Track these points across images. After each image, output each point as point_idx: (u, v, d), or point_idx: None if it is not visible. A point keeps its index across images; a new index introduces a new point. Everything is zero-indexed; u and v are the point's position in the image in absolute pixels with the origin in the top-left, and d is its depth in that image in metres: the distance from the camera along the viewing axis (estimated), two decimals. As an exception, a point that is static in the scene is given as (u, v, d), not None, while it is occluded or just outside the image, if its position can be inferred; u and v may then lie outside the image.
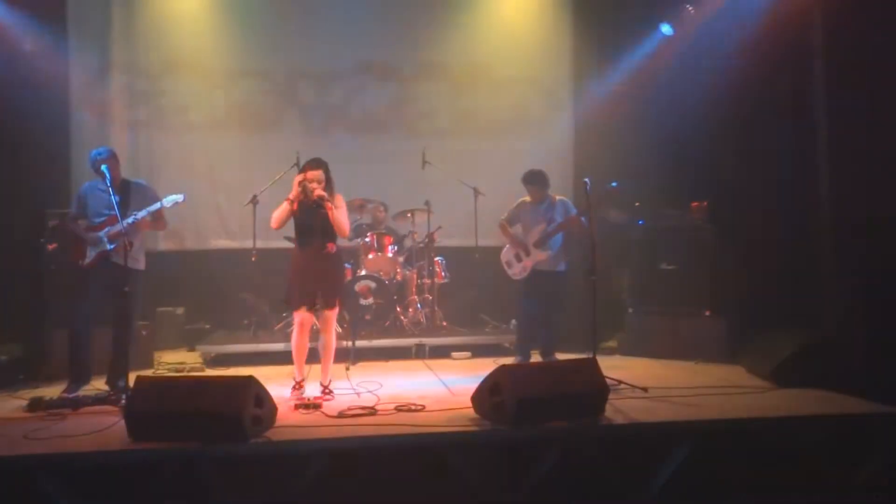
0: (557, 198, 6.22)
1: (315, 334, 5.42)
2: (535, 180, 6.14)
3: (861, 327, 5.37)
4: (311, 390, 5.19)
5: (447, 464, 3.96)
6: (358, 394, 5.19)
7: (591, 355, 4.90)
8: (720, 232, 6.72)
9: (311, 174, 5.10)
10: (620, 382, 5.18)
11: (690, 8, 7.71)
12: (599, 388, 4.38)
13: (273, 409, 4.22)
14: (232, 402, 3.84)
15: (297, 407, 4.71)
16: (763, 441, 4.36)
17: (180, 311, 7.80)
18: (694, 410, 4.59)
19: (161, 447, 3.79)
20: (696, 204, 6.88)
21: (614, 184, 5.71)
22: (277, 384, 5.24)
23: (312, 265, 5.11)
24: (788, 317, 6.06)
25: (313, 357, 5.32)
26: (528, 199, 6.24)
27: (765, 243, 6.49)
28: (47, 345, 5.91)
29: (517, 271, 6.18)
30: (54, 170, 7.46)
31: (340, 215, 5.13)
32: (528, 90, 8.66)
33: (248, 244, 7.05)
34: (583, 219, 5.95)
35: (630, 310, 6.98)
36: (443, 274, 7.57)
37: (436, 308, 7.38)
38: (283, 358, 5.88)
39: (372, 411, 4.57)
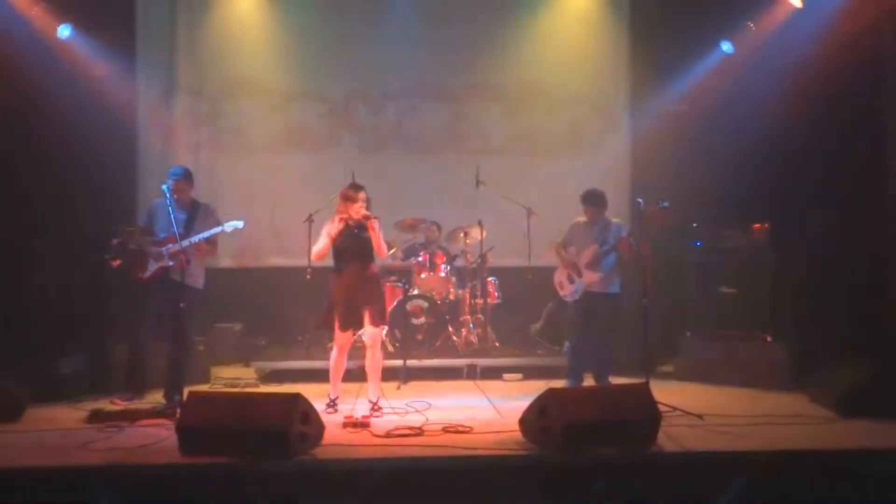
0: (613, 220, 6.12)
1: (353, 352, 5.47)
2: (593, 200, 6.06)
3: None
4: (361, 407, 5.24)
5: (492, 488, 3.89)
6: (405, 413, 5.19)
7: (644, 380, 4.78)
8: (782, 255, 6.49)
9: (360, 195, 5.21)
10: (675, 409, 5.03)
11: (752, 24, 7.55)
12: (651, 415, 4.26)
13: (320, 426, 4.25)
14: (278, 419, 3.89)
15: (345, 425, 4.74)
16: (826, 475, 4.15)
17: (238, 327, 7.95)
18: (752, 441, 4.44)
19: (207, 462, 3.84)
20: (757, 226, 6.67)
21: (665, 203, 5.59)
22: (326, 401, 5.28)
23: (355, 287, 5.20)
24: (854, 344, 5.80)
25: (359, 376, 5.37)
26: (582, 219, 6.16)
27: (829, 267, 6.25)
28: (109, 358, 6.09)
29: (569, 293, 6.09)
30: (122, 190, 7.75)
31: (380, 237, 5.25)
32: (583, 109, 8.58)
33: (304, 262, 7.14)
34: (631, 240, 5.84)
35: (687, 334, 6.79)
36: (496, 294, 7.52)
37: (488, 328, 7.33)
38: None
39: (419, 432, 4.56)
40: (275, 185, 8.28)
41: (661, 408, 5.02)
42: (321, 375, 6.47)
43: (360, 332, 5.50)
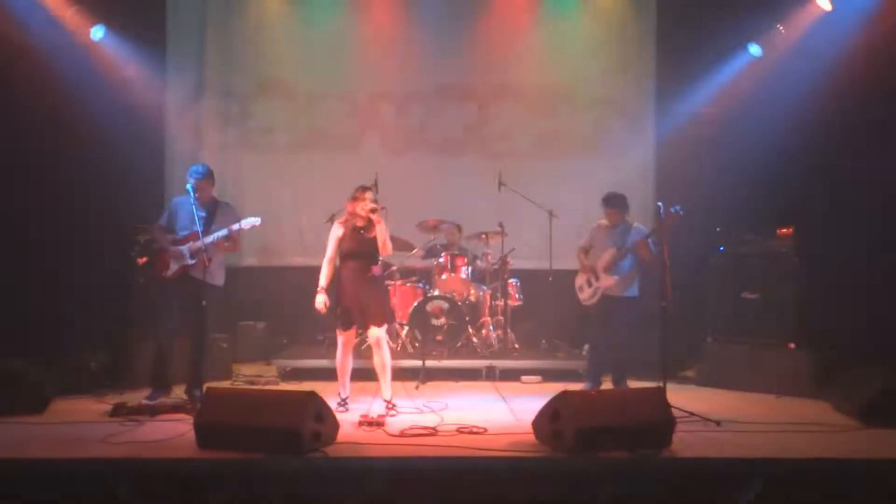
0: (634, 224, 6.09)
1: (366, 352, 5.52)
2: (614, 202, 6.04)
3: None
4: (378, 406, 5.29)
5: (503, 490, 3.89)
6: (421, 413, 5.22)
7: (669, 383, 4.74)
8: (807, 261, 6.39)
9: (367, 194, 5.33)
10: (692, 414, 4.99)
11: (781, 27, 7.45)
12: (665, 420, 4.24)
13: (334, 424, 4.29)
14: (292, 416, 3.94)
15: (360, 424, 4.78)
16: (844, 485, 4.09)
17: (261, 325, 8.03)
18: (769, 448, 4.38)
19: (223, 457, 3.91)
20: (782, 231, 6.56)
21: (677, 208, 5.54)
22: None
23: (355, 286, 5.28)
24: (879, 352, 5.69)
25: (374, 375, 5.41)
26: (603, 222, 6.14)
27: (854, 273, 6.14)
28: (133, 354, 6.21)
29: (587, 296, 6.07)
30: (151, 188, 7.89)
31: (385, 235, 5.31)
32: (608, 112, 8.53)
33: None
34: (650, 241, 5.80)
35: (709, 339, 6.71)
36: (517, 296, 7.52)
37: (508, 330, 7.33)
38: (354, 374, 5.98)
39: (433, 432, 4.59)
40: (299, 185, 8.38)
41: (678, 413, 5.00)
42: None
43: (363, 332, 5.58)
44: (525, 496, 3.93)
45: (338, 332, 5.38)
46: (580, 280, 6.19)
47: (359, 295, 5.28)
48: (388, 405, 5.26)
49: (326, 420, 4.15)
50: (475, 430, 4.65)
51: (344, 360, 5.39)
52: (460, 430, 4.63)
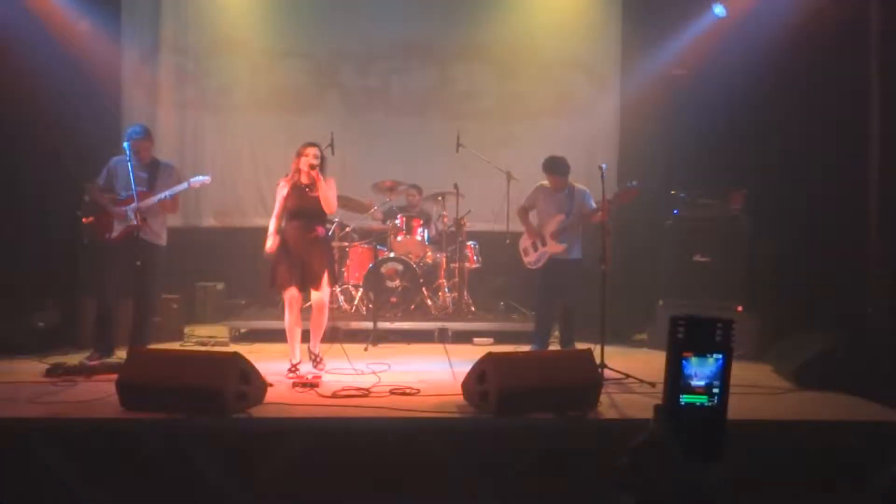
0: (577, 186, 6.04)
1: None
2: (556, 168, 5.97)
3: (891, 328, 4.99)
4: (307, 365, 5.28)
5: (423, 450, 3.91)
6: (360, 374, 5.21)
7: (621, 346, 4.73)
8: (759, 223, 6.37)
9: (309, 150, 5.20)
10: (628, 376, 5.01)
11: (746, -14, 7.31)
12: (592, 381, 4.26)
13: (262, 385, 4.29)
14: (215, 377, 3.93)
15: (294, 385, 4.78)
16: (767, 447, 4.12)
17: (220, 286, 8.02)
18: (696, 409, 4.38)
19: (146, 418, 3.91)
20: (734, 194, 6.53)
21: (634, 183, 5.51)
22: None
23: (301, 247, 5.17)
24: (828, 316, 5.70)
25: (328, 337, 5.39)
26: (546, 183, 6.09)
27: (806, 237, 6.12)
28: (80, 314, 6.18)
29: (533, 259, 6.05)
30: (105, 146, 7.73)
31: (329, 191, 5.18)
32: (573, 72, 8.42)
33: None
34: (591, 203, 5.84)
35: (660, 302, 6.72)
36: (475, 258, 7.50)
37: (465, 293, 7.32)
38: (307, 335, 5.96)
39: (365, 393, 4.59)
40: (259, 145, 8.29)
41: (614, 375, 5.06)
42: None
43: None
44: (449, 457, 3.95)
45: (282, 292, 5.26)
46: (525, 243, 6.16)
47: (301, 255, 5.17)
48: (316, 358, 5.23)
49: (252, 381, 4.14)
50: (408, 391, 4.66)
51: (291, 321, 5.25)
52: (393, 392, 4.63)
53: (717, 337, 3.04)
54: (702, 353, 3.05)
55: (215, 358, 4.16)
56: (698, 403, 3.07)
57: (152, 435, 3.86)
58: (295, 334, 5.28)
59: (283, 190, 5.30)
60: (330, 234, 6.71)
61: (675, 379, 3.06)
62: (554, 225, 5.92)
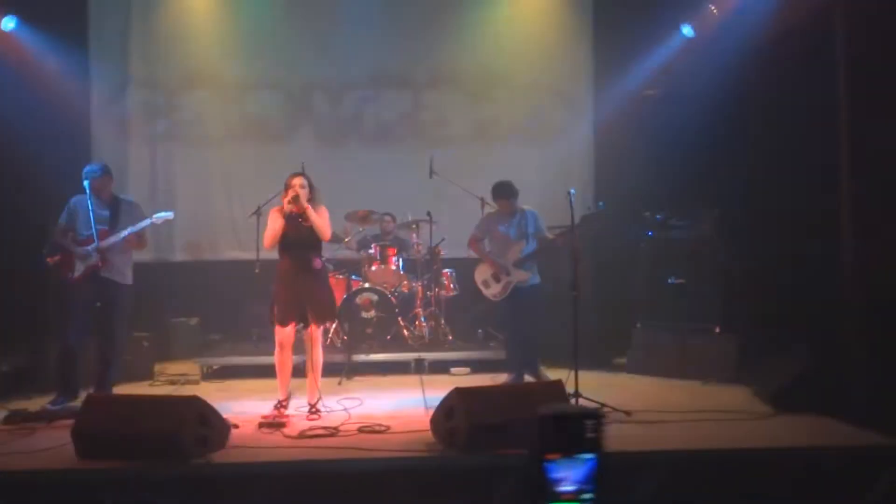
0: (526, 208, 5.99)
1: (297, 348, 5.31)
2: (503, 192, 5.92)
3: (864, 350, 4.92)
4: (302, 407, 5.09)
5: (389, 491, 3.80)
6: (330, 412, 5.05)
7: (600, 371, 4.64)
8: (733, 244, 6.32)
9: (295, 180, 5.03)
10: (603, 405, 4.91)
11: (714, 8, 7.34)
12: (563, 414, 4.13)
13: (224, 428, 4.17)
14: (172, 421, 3.82)
15: (260, 426, 4.65)
16: (742, 475, 4.03)
17: (194, 321, 7.88)
18: (671, 440, 4.30)
19: (102, 467, 3.78)
20: (707, 215, 6.49)
21: (601, 204, 5.47)
22: (263, 398, 5.27)
23: (295, 280, 4.98)
24: (805, 337, 5.63)
25: (301, 372, 5.20)
26: (494, 211, 6.03)
27: (781, 257, 6.06)
28: (45, 358, 6.03)
29: (497, 292, 5.94)
30: (75, 185, 7.64)
31: (320, 220, 5.02)
32: (546, 97, 8.41)
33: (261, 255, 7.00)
34: (543, 229, 5.86)
35: (638, 325, 6.65)
36: (451, 286, 7.41)
37: (442, 322, 7.22)
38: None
39: (333, 432, 4.47)
40: (231, 178, 8.21)
41: (589, 404, 4.95)
42: (269, 371, 6.40)
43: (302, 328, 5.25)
44: (417, 497, 3.84)
45: (276, 329, 5.05)
46: (484, 274, 6.05)
47: (300, 289, 4.97)
48: (312, 409, 4.99)
49: (212, 423, 4.02)
50: (377, 427, 4.55)
51: (281, 358, 5.05)
52: (361, 430, 4.52)
53: (587, 433, 2.71)
54: (570, 454, 2.71)
55: (172, 401, 4.05)
56: (567, 513, 2.59)
57: (106, 486, 3.73)
58: (286, 372, 5.08)
59: (276, 221, 5.05)
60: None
61: (540, 486, 2.67)
62: (516, 253, 5.86)
